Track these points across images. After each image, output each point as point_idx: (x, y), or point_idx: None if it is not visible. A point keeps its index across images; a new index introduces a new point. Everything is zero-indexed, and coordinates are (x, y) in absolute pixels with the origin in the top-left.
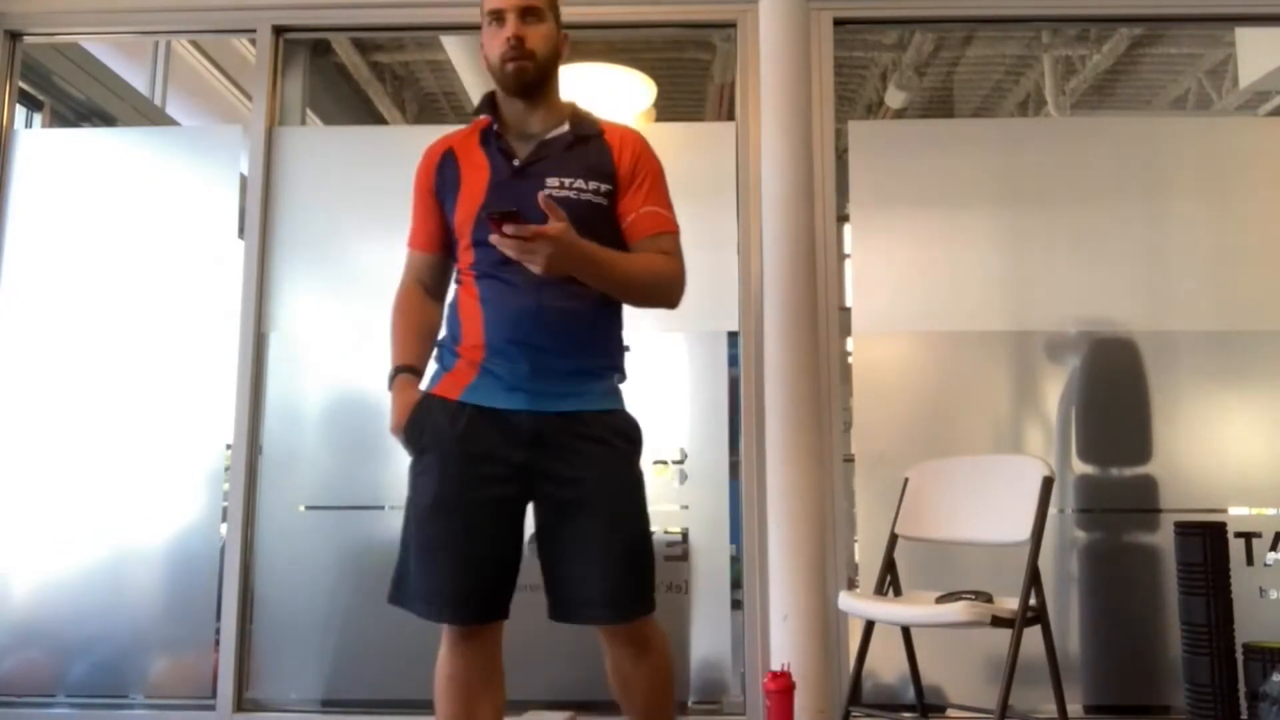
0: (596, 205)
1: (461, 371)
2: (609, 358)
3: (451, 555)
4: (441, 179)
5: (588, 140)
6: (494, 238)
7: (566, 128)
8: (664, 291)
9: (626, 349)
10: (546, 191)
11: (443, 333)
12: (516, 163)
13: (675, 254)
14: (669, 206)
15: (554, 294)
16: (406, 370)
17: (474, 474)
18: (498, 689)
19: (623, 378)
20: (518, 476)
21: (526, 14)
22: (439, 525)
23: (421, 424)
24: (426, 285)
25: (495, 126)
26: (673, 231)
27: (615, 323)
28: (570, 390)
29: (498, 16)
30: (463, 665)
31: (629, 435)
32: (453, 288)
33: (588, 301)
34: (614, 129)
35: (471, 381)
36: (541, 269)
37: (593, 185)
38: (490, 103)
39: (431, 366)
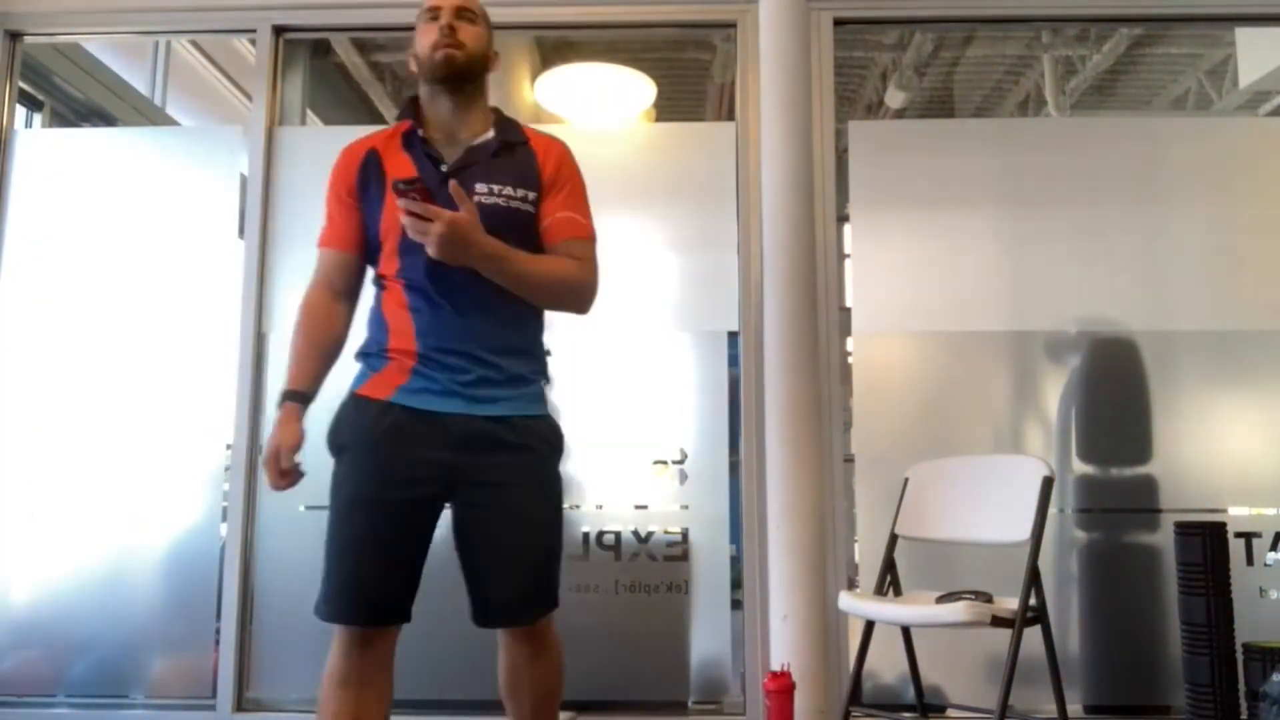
0: (524, 212)
1: (391, 373)
2: (538, 363)
3: (366, 554)
4: (364, 179)
5: (514, 148)
6: (400, 201)
7: (492, 134)
8: (571, 295)
9: (548, 353)
10: (476, 199)
11: (366, 336)
12: (445, 168)
13: (587, 260)
14: (587, 214)
15: (483, 306)
16: (295, 397)
17: (395, 474)
18: (387, 692)
19: (549, 382)
20: (440, 477)
21: (461, 12)
22: (356, 523)
23: (340, 423)
24: (337, 288)
25: (420, 131)
26: (585, 238)
27: (540, 328)
28: (504, 395)
29: (434, 14)
30: (357, 671)
31: (552, 441)
32: (372, 292)
33: (515, 310)
34: (539, 138)
35: (404, 383)
36: (435, 251)
37: (520, 193)
38: (413, 108)
39: (355, 369)
